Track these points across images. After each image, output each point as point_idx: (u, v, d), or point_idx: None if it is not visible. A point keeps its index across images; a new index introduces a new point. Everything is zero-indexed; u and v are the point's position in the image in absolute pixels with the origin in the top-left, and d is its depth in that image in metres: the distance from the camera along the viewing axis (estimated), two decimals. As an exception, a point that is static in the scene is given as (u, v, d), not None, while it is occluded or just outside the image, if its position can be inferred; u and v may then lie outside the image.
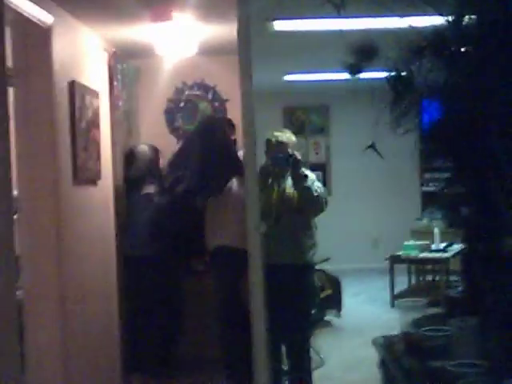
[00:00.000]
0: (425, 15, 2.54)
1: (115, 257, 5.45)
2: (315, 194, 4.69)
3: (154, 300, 5.56)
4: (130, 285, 5.54)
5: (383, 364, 3.26)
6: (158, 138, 6.00)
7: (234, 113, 5.83)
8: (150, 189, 5.62)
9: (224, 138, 5.38)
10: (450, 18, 2.57)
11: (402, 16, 2.57)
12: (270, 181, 4.73)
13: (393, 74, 2.64)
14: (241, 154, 5.30)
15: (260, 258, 3.57)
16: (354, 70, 2.78)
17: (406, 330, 3.20)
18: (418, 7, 2.46)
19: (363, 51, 2.66)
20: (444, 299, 3.51)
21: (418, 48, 2.54)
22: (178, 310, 5.72)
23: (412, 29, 2.56)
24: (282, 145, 4.79)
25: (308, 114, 11.35)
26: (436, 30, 2.60)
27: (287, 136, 4.88)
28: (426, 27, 2.65)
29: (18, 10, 3.74)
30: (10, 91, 3.85)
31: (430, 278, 8.92)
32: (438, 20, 2.65)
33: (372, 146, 3.10)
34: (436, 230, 8.62)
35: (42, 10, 4.01)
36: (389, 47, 2.68)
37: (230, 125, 5.55)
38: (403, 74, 2.60)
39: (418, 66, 2.65)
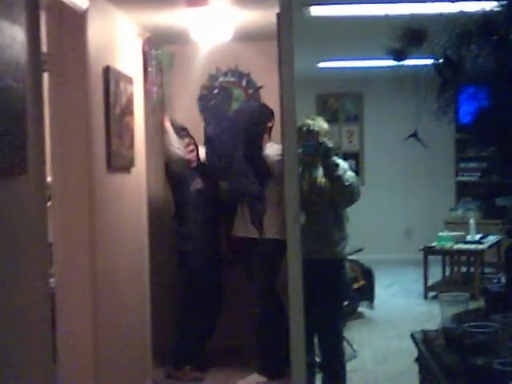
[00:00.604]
0: (475, 0, 2.44)
1: (147, 244, 5.42)
2: (346, 184, 4.58)
3: (200, 293, 5.55)
4: (178, 278, 5.54)
5: (422, 359, 3.18)
6: (191, 125, 5.94)
7: (268, 100, 5.78)
8: (198, 183, 5.59)
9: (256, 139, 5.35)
10: (501, 2, 2.46)
11: (453, 1, 2.47)
12: (300, 170, 4.62)
13: (441, 59, 2.54)
14: (269, 149, 5.28)
15: (299, 248, 3.51)
16: (400, 55, 2.69)
17: (445, 324, 3.11)
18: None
19: (410, 35, 2.57)
20: (485, 293, 3.40)
21: (468, 33, 2.44)
22: (218, 303, 5.67)
23: (461, 14, 2.46)
24: (313, 133, 4.69)
25: (342, 101, 11.25)
26: (486, 15, 2.50)
27: (319, 124, 4.77)
28: (475, 12, 2.55)
29: (53, -6, 3.70)
30: (45, 76, 3.81)
31: (464, 269, 8.79)
32: (487, 5, 2.55)
33: (414, 135, 3.01)
34: (471, 221, 8.50)
35: (77, -7, 3.96)
36: (435, 33, 2.59)
37: (270, 113, 5.48)
38: (452, 59, 2.50)
39: (467, 52, 2.55)
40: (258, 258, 5.29)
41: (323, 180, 4.66)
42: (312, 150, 4.62)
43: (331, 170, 4.59)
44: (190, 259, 5.51)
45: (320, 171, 4.68)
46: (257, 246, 5.29)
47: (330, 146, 4.63)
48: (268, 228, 5.24)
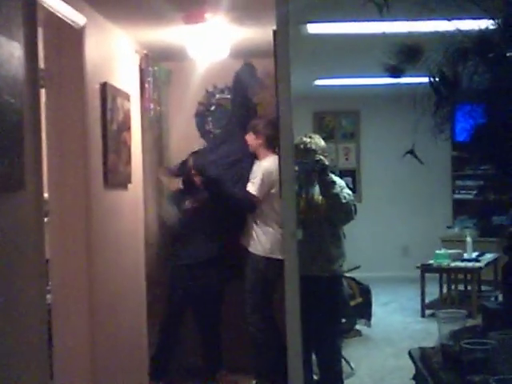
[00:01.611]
0: (471, 18, 2.46)
1: (144, 260, 5.41)
2: (343, 202, 4.57)
3: (199, 307, 5.54)
4: (174, 293, 5.51)
5: (419, 376, 3.17)
6: (188, 142, 5.94)
7: (265, 117, 5.78)
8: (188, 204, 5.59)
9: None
10: (497, 21, 2.48)
11: (449, 19, 2.48)
12: (296, 187, 4.61)
13: (437, 77, 2.55)
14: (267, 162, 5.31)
15: (296, 265, 3.51)
16: (396, 72, 2.69)
17: (443, 341, 3.10)
18: (465, 9, 2.37)
19: (407, 53, 2.58)
20: (482, 311, 3.39)
21: (464, 50, 2.45)
22: (218, 318, 5.65)
23: (458, 32, 2.47)
24: (309, 151, 4.69)
25: (338, 119, 11.26)
26: (482, 33, 2.51)
27: (316, 142, 4.78)
28: (471, 30, 2.56)
29: (51, 10, 3.71)
30: (42, 92, 3.81)
31: (461, 287, 8.77)
32: (483, 23, 2.57)
33: (411, 152, 3.00)
34: (468, 239, 8.49)
35: (74, 10, 3.97)
36: (431, 50, 2.60)
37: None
38: (448, 77, 2.51)
39: (462, 69, 2.56)
40: (249, 273, 5.30)
41: (320, 197, 4.66)
42: (309, 168, 4.62)
43: (328, 187, 4.59)
44: (180, 272, 5.48)
45: (317, 188, 4.68)
46: (249, 261, 5.31)
47: (327, 163, 4.64)
48: (260, 244, 5.27)
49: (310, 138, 4.79)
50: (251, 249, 5.33)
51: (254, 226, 5.35)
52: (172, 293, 5.55)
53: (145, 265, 5.44)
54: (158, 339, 5.53)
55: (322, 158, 4.64)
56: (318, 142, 4.79)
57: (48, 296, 3.76)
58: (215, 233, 5.52)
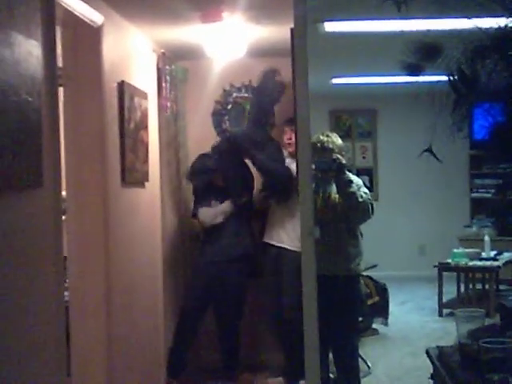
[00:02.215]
0: (490, 16, 2.44)
1: (161, 258, 5.42)
2: (360, 200, 4.56)
3: (222, 304, 5.55)
4: (195, 290, 5.51)
5: (437, 375, 3.15)
6: (204, 140, 5.95)
7: (281, 115, 5.78)
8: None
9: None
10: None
11: (468, 17, 2.47)
12: (314, 186, 4.60)
13: (456, 75, 2.53)
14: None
15: (313, 263, 3.50)
16: (414, 70, 2.68)
17: (462, 340, 3.09)
18: (484, 7, 2.36)
19: (425, 51, 2.56)
20: (500, 310, 3.37)
21: (483, 48, 2.44)
22: (239, 317, 5.66)
23: (477, 29, 2.45)
24: (327, 149, 4.68)
25: (355, 117, 11.24)
26: (501, 31, 2.49)
27: (333, 140, 4.76)
28: (489, 28, 2.54)
29: (69, 9, 3.72)
30: (60, 91, 3.83)
31: (479, 286, 8.73)
32: (502, 21, 2.55)
33: (429, 150, 2.99)
34: (486, 238, 8.44)
35: (92, 9, 3.99)
36: (450, 48, 2.58)
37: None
38: (467, 75, 2.50)
39: (481, 67, 2.54)
40: (291, 270, 5.23)
41: (337, 196, 4.65)
42: (326, 167, 4.60)
43: (345, 186, 4.58)
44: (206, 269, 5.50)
45: (334, 187, 4.67)
46: (288, 257, 5.29)
47: (344, 162, 4.62)
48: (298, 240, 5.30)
49: (328, 136, 4.78)
50: (287, 245, 5.32)
51: (288, 221, 5.35)
52: (194, 289, 5.55)
53: (162, 262, 5.45)
54: (175, 335, 5.53)
55: (339, 156, 4.63)
56: (336, 140, 4.78)
57: (66, 293, 3.78)
58: (241, 230, 5.53)
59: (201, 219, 5.54)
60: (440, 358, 3.08)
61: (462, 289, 8.70)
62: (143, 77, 5.10)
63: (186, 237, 5.92)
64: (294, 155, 5.33)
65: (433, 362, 3.13)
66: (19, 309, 2.82)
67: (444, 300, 8.33)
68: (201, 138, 6.06)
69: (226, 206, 5.50)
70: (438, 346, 3.20)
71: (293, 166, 5.16)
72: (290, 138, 5.44)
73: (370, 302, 7.18)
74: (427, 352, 3.22)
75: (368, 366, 6.07)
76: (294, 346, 5.24)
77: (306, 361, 3.60)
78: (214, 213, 5.47)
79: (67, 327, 3.77)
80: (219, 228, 5.50)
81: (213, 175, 5.55)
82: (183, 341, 5.49)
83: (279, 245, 5.43)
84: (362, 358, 5.84)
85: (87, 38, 4.10)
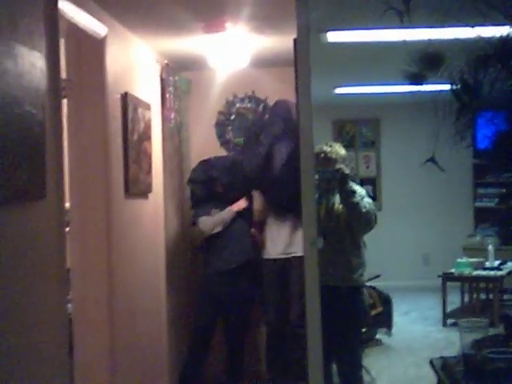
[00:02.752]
0: (492, 25, 2.44)
1: (164, 270, 5.42)
2: (363, 211, 4.55)
3: (231, 316, 5.54)
4: (208, 304, 5.48)
5: (441, 386, 3.14)
6: (208, 151, 5.96)
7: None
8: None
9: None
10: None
11: (471, 26, 2.47)
12: (317, 196, 4.60)
13: (459, 84, 2.54)
14: None
15: (317, 274, 3.50)
16: (417, 79, 2.68)
17: (466, 351, 3.08)
18: (486, 16, 2.36)
19: (428, 60, 2.57)
20: (504, 320, 3.36)
21: (485, 57, 2.44)
22: (246, 328, 5.66)
23: (479, 38, 2.46)
24: (330, 160, 4.68)
25: (358, 127, 11.24)
26: (503, 40, 2.49)
27: (336, 150, 4.76)
28: (492, 37, 2.55)
29: (73, 21, 3.74)
30: (64, 102, 3.84)
31: (483, 296, 8.71)
32: (505, 30, 2.55)
33: (432, 160, 2.99)
34: (490, 247, 8.42)
35: (95, 20, 4.00)
36: (453, 57, 2.59)
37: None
38: (470, 84, 2.50)
39: (484, 76, 2.54)
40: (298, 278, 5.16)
41: (340, 206, 4.64)
42: (329, 177, 4.60)
43: (348, 196, 4.57)
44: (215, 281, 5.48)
45: (337, 197, 4.66)
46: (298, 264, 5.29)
47: (347, 172, 4.61)
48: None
49: (331, 146, 4.77)
50: (295, 252, 5.32)
51: (292, 231, 5.40)
52: (205, 303, 5.51)
53: (165, 273, 5.45)
54: (190, 350, 5.51)
55: (342, 166, 4.62)
56: (339, 150, 4.77)
57: (69, 305, 3.78)
58: (242, 237, 5.53)
59: (200, 228, 5.52)
60: (444, 368, 3.08)
61: (466, 298, 8.69)
62: (147, 88, 5.11)
63: (189, 247, 5.91)
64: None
65: (437, 373, 3.13)
66: (22, 320, 2.82)
67: (448, 310, 8.31)
68: (204, 148, 6.06)
69: (225, 213, 5.47)
70: (441, 357, 3.19)
71: None
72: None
73: (373, 312, 7.17)
74: (431, 362, 3.21)
75: (372, 376, 6.05)
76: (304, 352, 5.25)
77: (309, 372, 3.59)
78: (213, 221, 5.45)
79: (70, 339, 3.77)
80: (221, 236, 5.47)
81: (214, 183, 5.54)
82: (198, 355, 5.47)
83: (286, 256, 5.43)
84: (366, 369, 5.82)
85: (91, 50, 4.11)
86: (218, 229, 5.44)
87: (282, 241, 5.47)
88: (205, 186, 5.56)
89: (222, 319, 5.56)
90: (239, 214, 5.52)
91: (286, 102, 5.48)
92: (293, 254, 5.36)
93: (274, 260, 5.48)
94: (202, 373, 5.49)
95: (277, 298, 5.47)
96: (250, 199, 5.66)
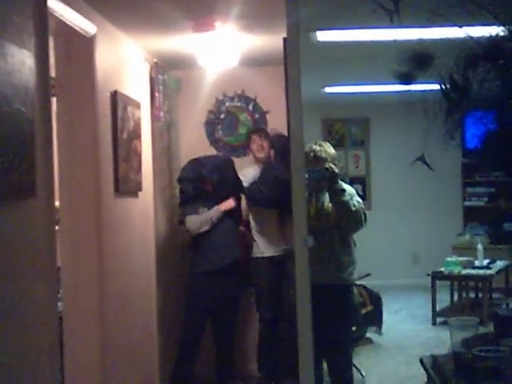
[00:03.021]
0: (481, 25, 2.45)
1: (154, 268, 5.41)
2: (353, 209, 4.56)
3: (218, 315, 5.54)
4: (198, 304, 5.47)
5: (431, 384, 3.15)
6: (197, 150, 5.95)
7: (275, 124, 5.80)
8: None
9: None
10: (507, 27, 2.47)
11: (460, 26, 2.48)
12: (307, 195, 4.59)
13: (448, 83, 2.55)
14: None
15: (307, 272, 3.50)
16: (407, 79, 2.69)
17: (455, 349, 3.09)
18: (475, 16, 2.37)
19: (417, 60, 2.58)
20: (494, 318, 3.37)
21: (474, 57, 2.45)
22: (234, 326, 5.66)
23: (468, 38, 2.47)
24: (319, 159, 4.69)
25: (348, 126, 11.25)
26: (492, 39, 2.51)
27: (325, 150, 4.77)
28: (481, 37, 2.56)
29: (62, 19, 3.72)
30: (53, 101, 3.83)
31: (472, 295, 8.74)
32: (493, 30, 2.56)
33: (421, 159, 3.00)
34: (479, 246, 8.45)
35: (85, 19, 3.99)
36: (442, 57, 2.60)
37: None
38: (459, 83, 2.51)
39: (473, 76, 2.55)
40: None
41: (330, 205, 4.65)
42: (318, 176, 4.60)
43: (337, 195, 4.58)
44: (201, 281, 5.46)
45: (327, 196, 4.67)
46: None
47: (336, 171, 4.62)
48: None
49: (320, 145, 4.78)
50: (289, 247, 5.34)
51: (282, 227, 5.48)
52: (194, 302, 5.48)
53: (156, 272, 5.44)
54: (181, 350, 5.48)
55: (331, 165, 4.63)
56: (328, 149, 4.78)
57: (59, 304, 3.77)
58: (230, 237, 5.52)
59: (187, 227, 5.50)
60: (434, 366, 3.08)
61: (456, 297, 8.72)
62: (136, 86, 5.11)
63: (179, 246, 5.91)
64: (262, 161, 5.56)
65: (427, 371, 3.13)
66: (12, 318, 2.81)
67: (438, 308, 8.34)
68: (194, 147, 6.06)
69: (212, 212, 5.45)
70: (431, 355, 3.19)
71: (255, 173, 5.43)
72: (262, 145, 5.59)
73: (363, 311, 7.18)
74: (421, 361, 3.21)
75: (362, 375, 6.07)
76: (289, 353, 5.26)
77: (300, 370, 3.59)
78: (200, 221, 5.43)
79: (61, 337, 3.76)
80: (208, 236, 5.45)
81: (203, 181, 5.52)
82: (189, 354, 5.45)
83: (280, 252, 5.44)
84: (356, 367, 5.83)
85: (80, 48, 4.11)
86: (205, 228, 5.41)
87: (272, 239, 5.48)
88: (194, 185, 5.53)
89: (210, 319, 5.55)
90: (228, 213, 5.50)
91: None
92: (287, 250, 5.36)
93: (266, 257, 5.49)
94: (192, 372, 5.48)
95: (270, 294, 5.47)
96: (239, 199, 5.66)
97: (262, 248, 5.53)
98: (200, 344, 5.49)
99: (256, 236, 5.59)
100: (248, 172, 5.63)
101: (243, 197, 5.67)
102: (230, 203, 5.52)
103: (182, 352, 5.46)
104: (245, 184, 5.55)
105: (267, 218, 5.53)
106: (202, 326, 5.49)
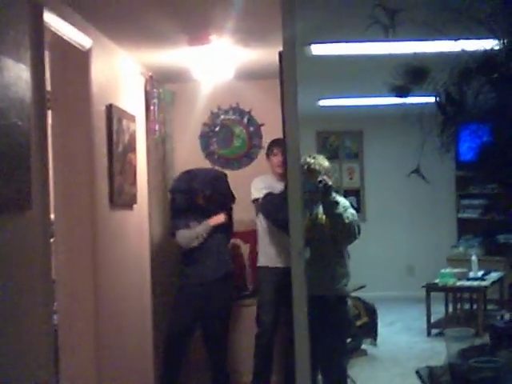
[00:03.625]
0: (476, 39, 2.47)
1: (149, 281, 5.41)
2: (346, 222, 4.57)
3: (209, 326, 5.50)
4: (183, 313, 5.45)
5: (427, 396, 3.15)
6: (192, 163, 5.96)
7: (269, 137, 5.81)
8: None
9: None
10: (502, 41, 2.49)
11: (455, 40, 2.50)
12: None
13: (443, 97, 2.56)
14: None
15: (304, 284, 3.51)
16: (402, 92, 2.71)
17: (451, 360, 3.09)
18: (470, 30, 2.39)
19: (412, 73, 2.59)
20: (490, 329, 3.38)
21: (469, 70, 2.47)
22: (226, 337, 5.64)
23: (463, 52, 2.49)
24: (313, 171, 4.69)
25: (342, 139, 11.28)
26: (487, 53, 2.53)
27: (319, 162, 4.78)
28: (476, 50, 2.58)
29: (58, 33, 3.74)
30: (48, 114, 3.84)
31: (467, 306, 8.75)
32: (488, 44, 2.59)
33: (417, 171, 3.01)
34: (474, 258, 8.47)
35: (80, 33, 4.00)
36: (437, 70, 2.61)
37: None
38: (454, 96, 2.53)
39: (468, 89, 2.57)
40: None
41: (324, 217, 4.66)
42: (312, 188, 4.61)
43: (331, 207, 4.59)
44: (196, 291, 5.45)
45: (321, 208, 4.68)
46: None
47: (330, 183, 4.63)
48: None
49: (314, 158, 4.79)
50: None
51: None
52: (180, 314, 5.47)
53: (151, 284, 5.44)
54: (164, 362, 5.45)
55: (325, 178, 4.64)
56: (322, 162, 4.79)
57: (54, 316, 3.76)
58: (221, 250, 5.52)
59: (179, 241, 5.50)
60: (430, 378, 3.08)
61: (450, 309, 8.72)
62: (131, 100, 5.12)
63: (174, 258, 5.90)
64: (280, 177, 5.37)
65: (423, 382, 3.13)
66: (7, 331, 2.81)
67: (432, 320, 8.33)
68: (188, 160, 6.06)
69: (202, 227, 5.44)
70: (428, 366, 3.20)
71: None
72: (282, 161, 5.43)
73: (358, 322, 7.19)
74: (417, 372, 3.21)
75: (357, 387, 6.06)
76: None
77: (297, 382, 3.59)
78: (190, 236, 5.42)
79: (56, 350, 3.75)
80: (198, 250, 5.43)
81: (195, 194, 5.51)
82: (173, 367, 5.43)
83: (288, 264, 5.45)
84: (351, 379, 5.83)
85: (75, 62, 4.12)
86: (196, 243, 5.40)
87: (281, 249, 5.46)
88: (186, 196, 5.53)
89: (201, 329, 5.54)
90: (218, 228, 5.50)
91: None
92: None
93: (273, 268, 5.48)
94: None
95: (272, 305, 5.47)
96: (230, 213, 5.65)
97: (270, 258, 5.51)
98: (184, 356, 5.47)
99: (266, 247, 5.55)
100: (259, 184, 5.55)
101: (245, 207, 5.67)
102: (219, 218, 5.50)
103: (165, 366, 5.44)
104: (258, 195, 5.50)
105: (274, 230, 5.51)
106: (184, 335, 5.46)
